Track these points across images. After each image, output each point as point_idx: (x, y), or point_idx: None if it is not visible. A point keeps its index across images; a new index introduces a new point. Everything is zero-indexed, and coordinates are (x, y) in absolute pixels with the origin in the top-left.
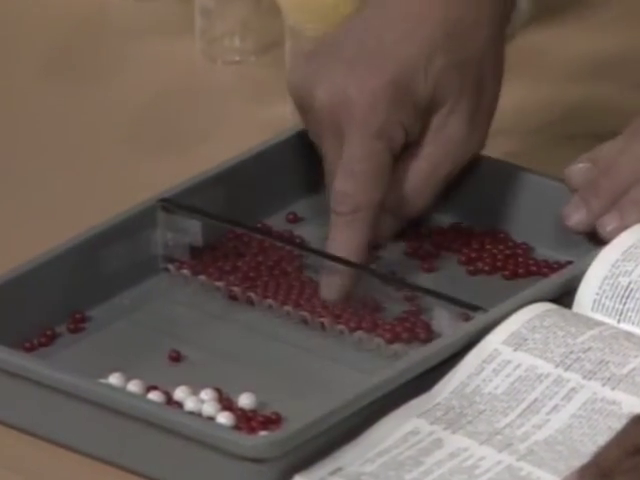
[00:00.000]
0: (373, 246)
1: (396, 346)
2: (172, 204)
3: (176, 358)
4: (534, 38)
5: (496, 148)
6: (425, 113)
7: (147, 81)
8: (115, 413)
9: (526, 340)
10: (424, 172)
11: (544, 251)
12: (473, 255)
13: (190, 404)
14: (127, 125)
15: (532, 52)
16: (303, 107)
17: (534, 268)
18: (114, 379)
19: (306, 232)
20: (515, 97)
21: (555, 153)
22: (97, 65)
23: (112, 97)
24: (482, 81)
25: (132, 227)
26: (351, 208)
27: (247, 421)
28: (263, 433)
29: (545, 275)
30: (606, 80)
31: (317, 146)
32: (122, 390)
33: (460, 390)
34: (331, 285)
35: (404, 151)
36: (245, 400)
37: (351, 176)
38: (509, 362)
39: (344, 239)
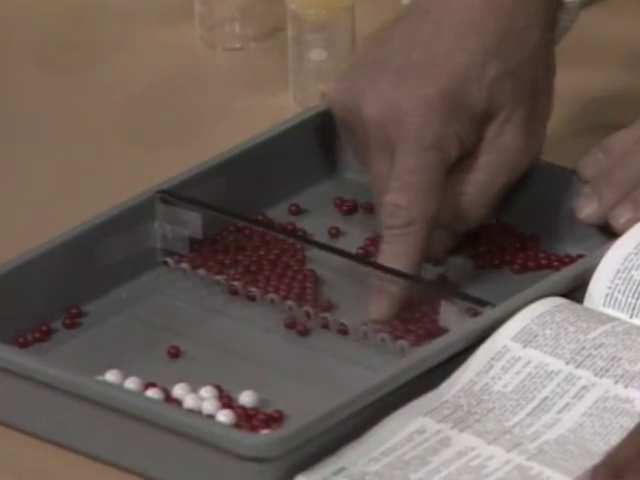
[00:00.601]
0: (433, 262)
1: (402, 342)
2: (171, 195)
3: (175, 354)
4: None
5: None
6: (480, 123)
7: (145, 69)
8: (112, 411)
9: (536, 336)
10: (480, 184)
11: (555, 244)
12: (482, 249)
13: (189, 402)
14: (125, 114)
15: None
16: (348, 123)
17: (544, 262)
18: (111, 376)
19: (309, 224)
20: None
21: (565, 143)
22: (94, 52)
23: (109, 85)
24: (536, 86)
25: (130, 219)
26: (404, 221)
27: (248, 419)
28: (264, 432)
29: (556, 269)
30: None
31: (362, 163)
32: (119, 387)
33: (468, 388)
34: (382, 302)
35: (458, 163)
36: (246, 398)
37: (404, 189)
38: (518, 359)
39: (396, 254)
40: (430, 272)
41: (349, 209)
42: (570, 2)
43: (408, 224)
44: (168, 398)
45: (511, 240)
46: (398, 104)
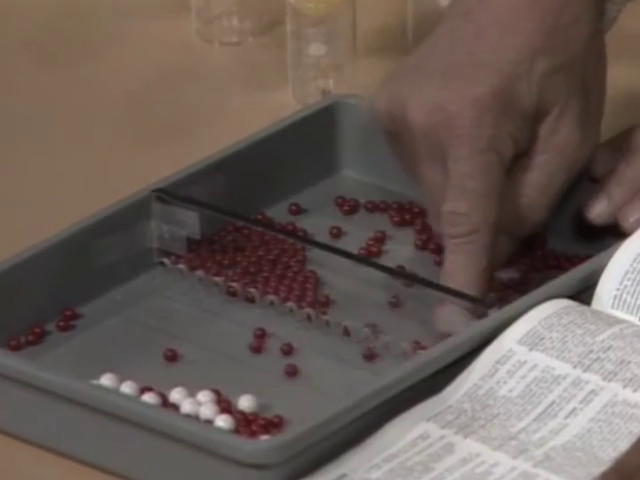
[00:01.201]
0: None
1: (405, 345)
2: (168, 194)
3: (172, 357)
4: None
5: None
6: (533, 122)
7: (141, 64)
8: (107, 416)
9: (542, 339)
10: (538, 184)
11: (563, 244)
12: None
13: (187, 406)
14: (119, 110)
15: None
16: (394, 132)
17: (552, 262)
18: (106, 380)
19: (309, 224)
20: None
21: None
22: (89, 47)
23: (104, 81)
24: (587, 80)
25: (125, 219)
26: (467, 229)
27: (247, 425)
28: (264, 437)
29: (563, 270)
30: None
31: (411, 174)
32: (115, 392)
33: (473, 392)
34: (448, 319)
35: (514, 163)
36: (245, 402)
37: (463, 195)
38: (524, 363)
39: (462, 264)
40: (390, 262)
41: (350, 208)
42: None
43: (471, 232)
44: (165, 403)
45: None
46: (446, 107)
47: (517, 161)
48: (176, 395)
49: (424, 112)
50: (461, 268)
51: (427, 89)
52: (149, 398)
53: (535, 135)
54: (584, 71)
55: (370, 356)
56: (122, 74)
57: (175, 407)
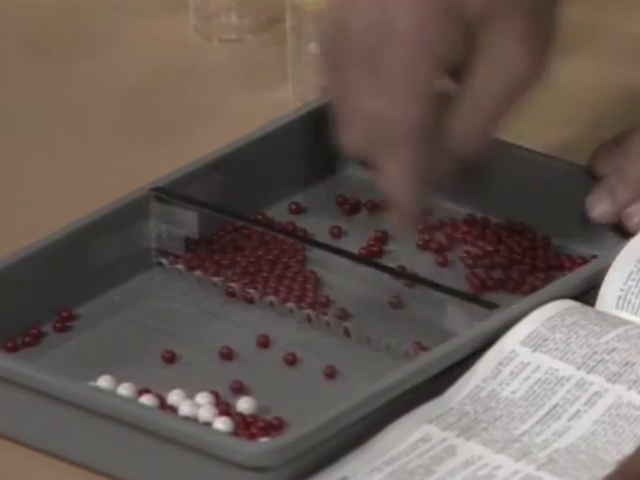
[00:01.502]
0: (429, 186)
1: (407, 346)
2: (166, 193)
3: (170, 359)
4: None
5: (514, 133)
6: (476, 29)
7: (138, 61)
8: (105, 418)
9: (546, 340)
10: (475, 98)
11: (566, 244)
12: (488, 248)
13: (185, 408)
14: (117, 108)
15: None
16: (336, 43)
17: (555, 262)
18: (104, 381)
19: (309, 224)
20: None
21: (576, 138)
22: (85, 44)
23: (101, 78)
24: (539, 2)
25: (123, 218)
26: (394, 131)
27: (246, 427)
28: (264, 440)
29: (567, 270)
30: None
31: (336, 94)
32: (112, 393)
33: (475, 394)
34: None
35: (454, 77)
36: (244, 404)
37: (392, 95)
38: (527, 364)
39: (392, 169)
40: (391, 261)
41: (351, 208)
42: None
43: (399, 134)
44: (163, 405)
45: (520, 240)
46: (388, 10)
47: (453, 76)
48: (174, 397)
49: (367, 14)
50: (391, 173)
51: None
52: (147, 400)
53: (477, 46)
54: None
55: (371, 358)
56: (120, 71)
57: (173, 409)
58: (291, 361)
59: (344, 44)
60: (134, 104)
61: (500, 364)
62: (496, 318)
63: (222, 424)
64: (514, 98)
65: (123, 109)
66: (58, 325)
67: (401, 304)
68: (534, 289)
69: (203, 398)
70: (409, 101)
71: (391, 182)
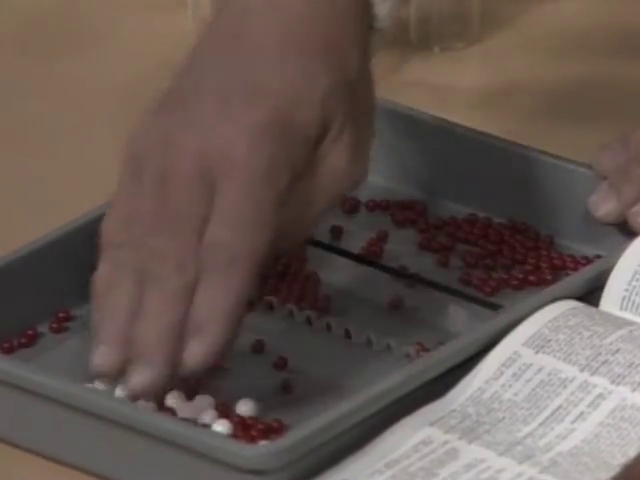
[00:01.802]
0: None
1: (408, 347)
2: None
3: None
4: (557, 13)
5: (521, 132)
6: (313, 144)
7: (136, 58)
8: (102, 420)
9: (549, 341)
10: (296, 209)
11: (570, 244)
12: (491, 248)
13: (184, 411)
14: (115, 106)
15: (553, 27)
16: (146, 161)
17: (559, 263)
18: (101, 384)
19: None
20: (533, 74)
21: (580, 136)
22: (81, 41)
23: (99, 76)
24: (360, 104)
25: None
26: (225, 258)
27: (246, 429)
28: (263, 443)
29: (571, 270)
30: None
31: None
32: (110, 395)
33: (477, 396)
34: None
35: None
36: (243, 407)
37: (228, 224)
38: (530, 366)
39: (217, 294)
40: (391, 262)
41: (351, 207)
42: (379, 28)
43: (230, 261)
44: (161, 407)
45: (522, 240)
46: (220, 134)
47: None
48: (172, 399)
49: (196, 140)
50: (216, 297)
51: (203, 114)
52: (145, 402)
53: (309, 157)
54: (358, 94)
55: (372, 359)
56: (117, 70)
57: (172, 411)
58: (282, 365)
59: (166, 164)
60: (133, 102)
61: (503, 365)
62: (499, 319)
63: (221, 427)
64: (338, 201)
65: (121, 107)
66: (55, 326)
67: (402, 305)
68: (537, 290)
69: (202, 400)
70: (255, 236)
71: (212, 306)
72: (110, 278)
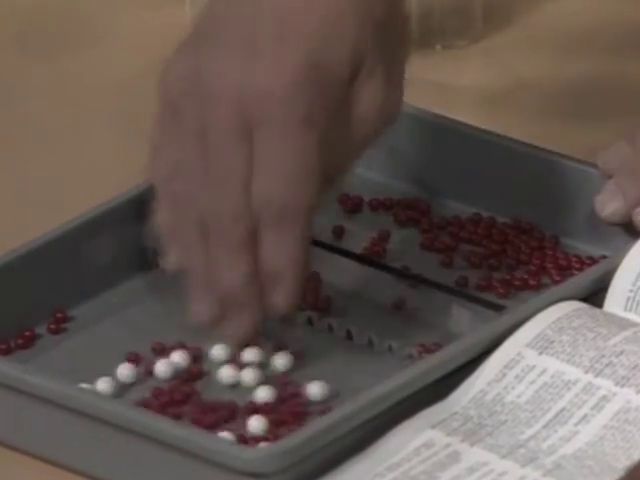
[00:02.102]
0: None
1: (410, 348)
2: None
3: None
4: (562, 9)
5: (527, 131)
6: (347, 83)
7: (134, 55)
8: (100, 423)
9: (552, 343)
10: (340, 142)
11: (575, 244)
12: (495, 248)
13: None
14: (114, 103)
15: (559, 24)
16: (183, 108)
17: (564, 263)
18: (103, 384)
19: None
20: (538, 73)
21: (586, 135)
22: (80, 40)
23: (97, 72)
24: (395, 39)
25: (120, 217)
26: (280, 214)
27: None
28: (263, 445)
29: (576, 271)
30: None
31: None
32: (108, 398)
33: (479, 398)
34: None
35: None
36: (280, 360)
37: (279, 175)
38: (533, 367)
39: (285, 245)
40: (393, 262)
41: (354, 206)
42: None
43: (285, 217)
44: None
45: (527, 240)
46: (256, 80)
47: None
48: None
49: (230, 85)
50: (277, 254)
51: (230, 59)
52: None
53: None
54: (391, 29)
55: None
56: (116, 66)
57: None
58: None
59: (198, 113)
60: (132, 99)
61: (505, 367)
62: (502, 320)
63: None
64: (378, 135)
65: (120, 104)
66: (53, 327)
67: (404, 305)
68: (542, 291)
69: None
70: (304, 187)
71: (275, 262)
72: (173, 224)
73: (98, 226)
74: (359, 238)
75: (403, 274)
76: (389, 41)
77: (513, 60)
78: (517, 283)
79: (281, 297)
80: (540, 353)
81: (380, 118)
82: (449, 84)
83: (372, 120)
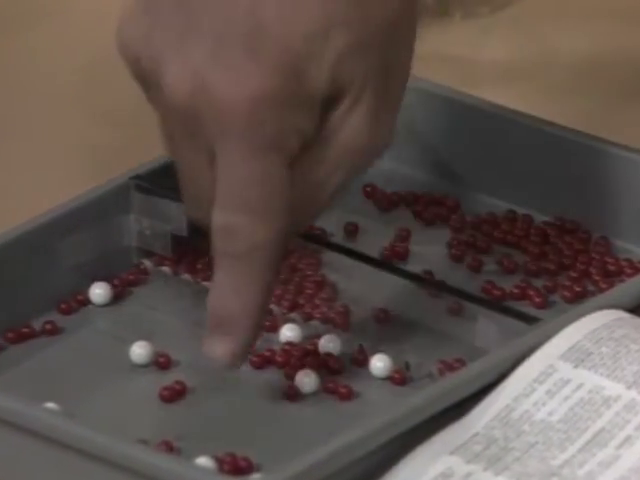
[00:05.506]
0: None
1: (430, 365)
2: (148, 183)
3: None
4: None
5: (564, 112)
6: (323, 107)
7: (106, 25)
8: (70, 450)
9: (590, 355)
10: (315, 180)
11: (627, 246)
12: (532, 250)
13: None
14: (85, 84)
15: None
16: (144, 80)
17: (614, 268)
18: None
19: (322, 219)
20: (571, 43)
21: (632, 117)
22: (42, 10)
23: (64, 46)
24: (391, 60)
25: (98, 212)
26: (246, 247)
27: (232, 461)
28: (255, 476)
29: (627, 277)
30: None
31: (164, 139)
32: (81, 424)
33: (504, 416)
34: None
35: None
36: (330, 344)
37: (241, 206)
38: (568, 381)
39: (238, 288)
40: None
41: (379, 202)
42: None
43: (251, 250)
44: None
45: (570, 241)
46: (217, 90)
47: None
48: None
49: (186, 85)
50: (236, 292)
51: (193, 53)
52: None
53: (321, 122)
54: (389, 48)
55: (395, 379)
56: (84, 40)
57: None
58: (290, 373)
59: (156, 92)
60: (105, 80)
61: (535, 381)
62: (535, 334)
63: (206, 460)
64: (361, 172)
65: (93, 86)
66: (19, 337)
67: (425, 316)
68: (584, 300)
69: None
70: (274, 215)
71: (235, 301)
72: None
73: (72, 223)
74: (375, 238)
75: (424, 280)
76: (386, 63)
77: (543, 30)
78: (557, 292)
79: (224, 347)
80: (576, 366)
81: (365, 151)
82: (470, 58)
83: (354, 152)
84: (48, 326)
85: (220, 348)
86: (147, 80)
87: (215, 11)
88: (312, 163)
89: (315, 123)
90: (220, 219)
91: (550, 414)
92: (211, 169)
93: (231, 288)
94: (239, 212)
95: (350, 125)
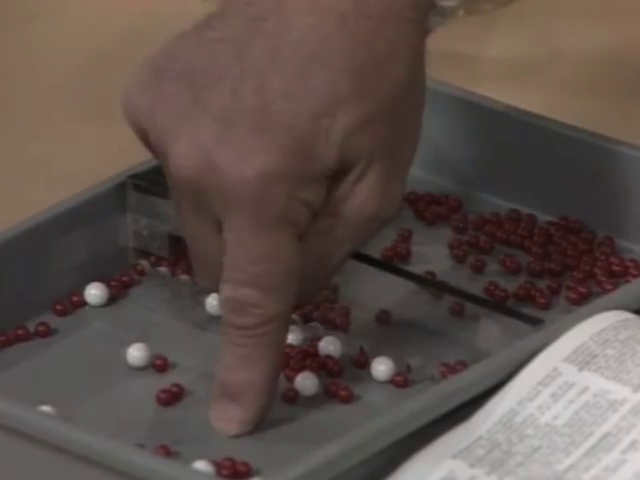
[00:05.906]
0: None
1: (432, 368)
2: (145, 182)
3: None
4: None
5: (568, 110)
6: (330, 181)
7: (101, 20)
8: (68, 455)
9: (595, 357)
10: (318, 253)
11: (632, 247)
12: (536, 250)
13: None
14: (80, 79)
15: None
16: (151, 149)
17: (619, 269)
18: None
19: None
20: (577, 41)
21: (637, 114)
22: (36, 5)
23: (59, 45)
24: (399, 129)
25: (94, 212)
26: (257, 322)
27: (231, 465)
28: None
29: (632, 278)
30: None
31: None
32: (76, 427)
33: (508, 420)
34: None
35: None
36: (331, 346)
37: (251, 281)
38: (573, 385)
39: (250, 361)
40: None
41: None
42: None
43: (262, 324)
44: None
45: (574, 241)
46: (224, 169)
47: None
48: None
49: (192, 165)
50: (249, 365)
51: (199, 130)
52: None
53: (328, 195)
54: (397, 118)
55: (396, 382)
56: (80, 38)
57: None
58: (290, 376)
59: (164, 162)
60: (102, 74)
61: (539, 384)
62: (539, 336)
63: (204, 465)
64: (367, 242)
65: (89, 81)
66: (14, 339)
67: (427, 318)
68: (589, 301)
69: None
70: (284, 291)
71: (248, 370)
72: None
73: (68, 223)
74: (377, 239)
75: (426, 281)
76: (394, 132)
77: (548, 27)
78: (561, 293)
79: (232, 414)
80: (581, 369)
81: (372, 220)
82: (473, 56)
83: (362, 222)
84: (41, 328)
85: (228, 414)
86: (154, 150)
87: (221, 87)
88: (320, 234)
89: (323, 196)
90: (229, 293)
91: (555, 418)
92: (219, 238)
93: (240, 361)
94: (248, 287)
95: (357, 196)
